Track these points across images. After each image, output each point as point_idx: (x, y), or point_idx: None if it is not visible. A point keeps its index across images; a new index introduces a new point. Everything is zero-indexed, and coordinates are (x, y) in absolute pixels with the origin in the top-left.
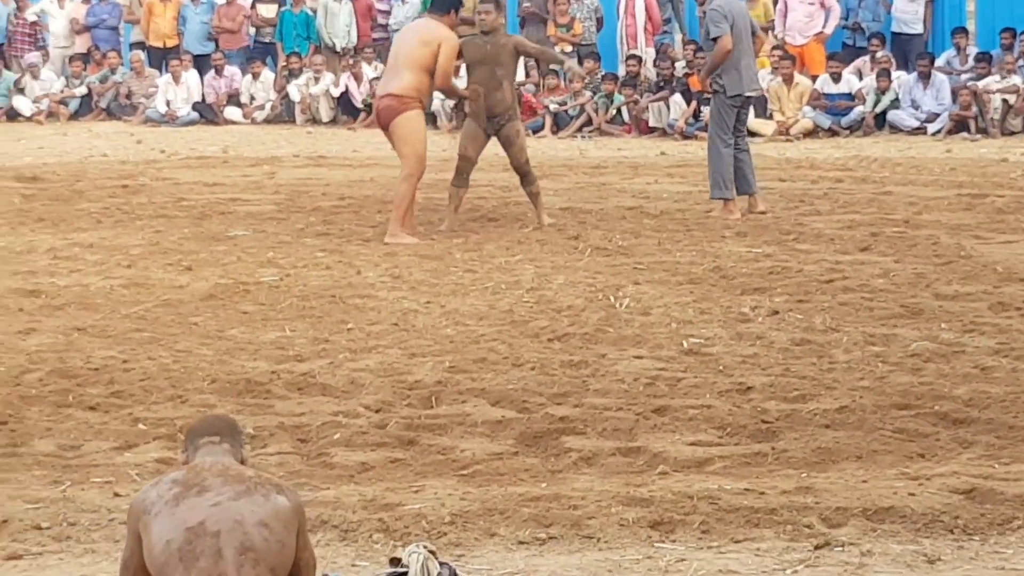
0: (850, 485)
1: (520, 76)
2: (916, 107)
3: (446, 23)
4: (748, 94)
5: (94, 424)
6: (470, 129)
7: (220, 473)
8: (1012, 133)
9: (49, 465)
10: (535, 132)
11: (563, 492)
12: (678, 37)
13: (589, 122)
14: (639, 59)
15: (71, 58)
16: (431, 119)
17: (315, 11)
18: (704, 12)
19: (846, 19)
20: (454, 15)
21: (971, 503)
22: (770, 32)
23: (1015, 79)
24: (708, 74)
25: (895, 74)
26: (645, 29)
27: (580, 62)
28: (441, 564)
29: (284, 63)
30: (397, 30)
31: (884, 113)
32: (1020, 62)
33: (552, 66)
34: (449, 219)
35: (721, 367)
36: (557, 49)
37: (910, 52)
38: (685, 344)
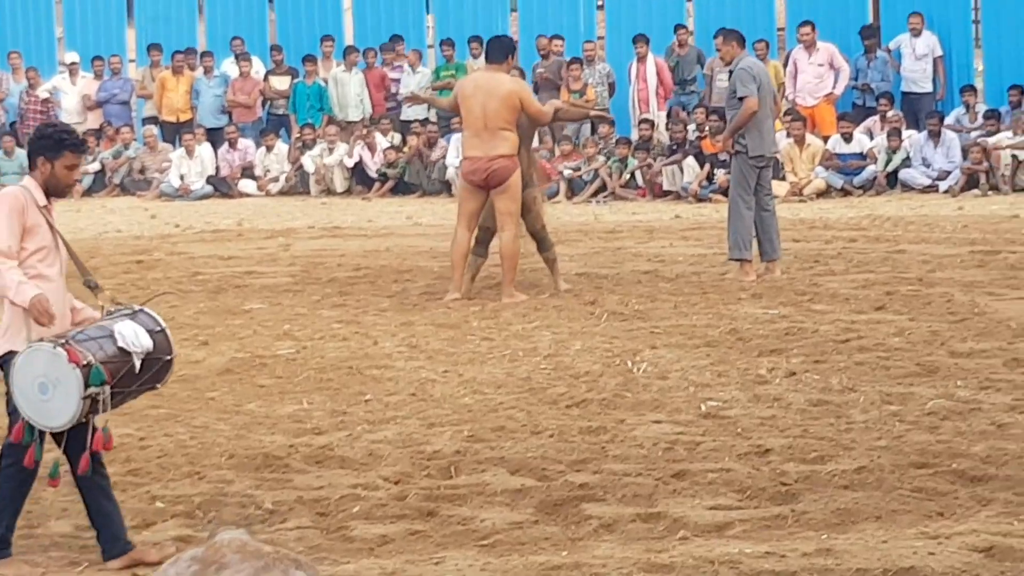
0: (870, 546)
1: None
2: (927, 165)
3: (504, 70)
4: (769, 155)
5: None
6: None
7: (238, 549)
8: (1023, 189)
9: (66, 546)
10: (550, 198)
11: (584, 560)
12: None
13: (603, 187)
14: (651, 123)
15: (83, 134)
16: (446, 186)
17: (325, 82)
18: (710, 72)
19: (855, 79)
20: (511, 60)
21: (991, 561)
22: (782, 94)
23: None
24: (732, 134)
25: (905, 133)
26: (657, 93)
27: (594, 128)
28: None
29: (298, 135)
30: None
31: (895, 172)
32: None
33: (578, 121)
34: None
35: (739, 430)
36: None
37: (920, 111)
38: (703, 407)
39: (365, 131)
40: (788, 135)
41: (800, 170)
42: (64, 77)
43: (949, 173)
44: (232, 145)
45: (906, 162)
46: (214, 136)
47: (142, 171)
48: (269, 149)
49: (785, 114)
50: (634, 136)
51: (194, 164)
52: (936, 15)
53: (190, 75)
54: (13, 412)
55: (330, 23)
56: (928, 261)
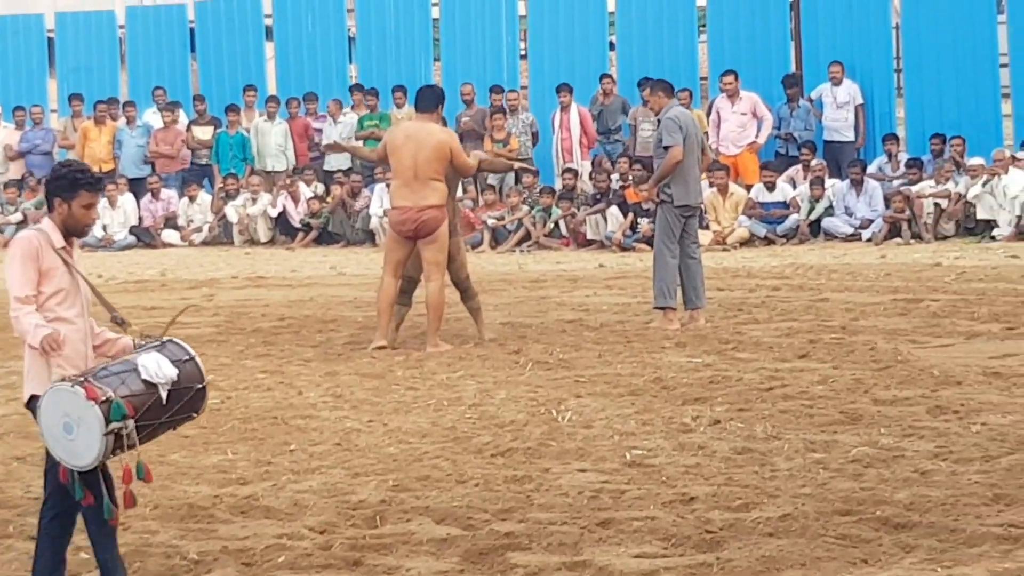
0: None
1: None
2: (850, 214)
3: (435, 120)
4: (695, 204)
5: None
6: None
7: None
8: (945, 237)
9: None
10: (474, 247)
11: None
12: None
13: (527, 236)
14: (575, 172)
15: (5, 184)
16: (370, 236)
17: (247, 132)
18: (634, 121)
19: (778, 128)
20: (440, 109)
21: None
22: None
23: (948, 184)
24: (657, 183)
25: (828, 182)
26: (580, 142)
27: (517, 178)
28: None
29: (221, 185)
30: None
31: (818, 220)
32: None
33: (502, 172)
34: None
35: (664, 478)
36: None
37: (842, 159)
38: (628, 456)
39: (289, 181)
40: (711, 184)
41: (723, 219)
42: None
43: (872, 222)
44: (155, 195)
45: (829, 211)
46: (136, 186)
47: None
48: (192, 199)
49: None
50: (558, 185)
51: (117, 214)
52: (859, 64)
53: (112, 125)
54: (50, 458)
55: (253, 73)
56: (851, 309)
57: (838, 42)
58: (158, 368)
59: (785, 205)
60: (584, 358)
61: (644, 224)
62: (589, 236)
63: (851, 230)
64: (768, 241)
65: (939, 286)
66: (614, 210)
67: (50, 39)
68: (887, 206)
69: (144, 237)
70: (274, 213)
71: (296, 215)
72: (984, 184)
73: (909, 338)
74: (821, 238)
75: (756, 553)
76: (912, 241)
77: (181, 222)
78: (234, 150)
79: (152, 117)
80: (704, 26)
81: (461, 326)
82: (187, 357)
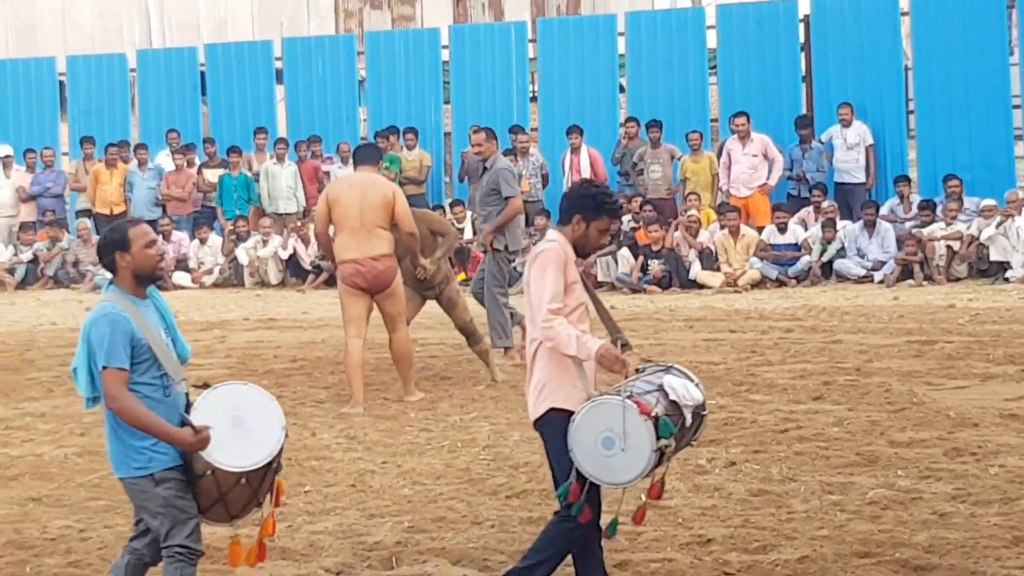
0: None
1: (468, 234)
2: (862, 255)
3: (377, 171)
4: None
5: None
6: (406, 292)
7: None
8: (958, 279)
9: None
10: None
11: None
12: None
13: None
14: None
15: (21, 226)
16: None
17: (257, 174)
18: (639, 161)
19: (790, 170)
20: (381, 163)
21: None
22: (716, 185)
23: (959, 225)
24: (495, 230)
25: (840, 223)
26: None
27: (528, 219)
28: None
29: (231, 227)
30: None
31: (831, 262)
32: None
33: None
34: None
35: (680, 519)
36: None
37: (853, 201)
38: (642, 498)
39: (299, 223)
40: (722, 226)
41: (735, 260)
42: None
43: (884, 263)
44: (166, 237)
45: (841, 252)
46: None
47: (76, 264)
48: (203, 241)
49: (720, 205)
50: None
51: None
52: (870, 105)
53: (123, 167)
54: (560, 473)
55: (263, 116)
56: (865, 351)
57: (849, 83)
58: (686, 391)
59: (797, 247)
60: None
61: (655, 266)
62: (600, 278)
63: (863, 272)
64: (780, 283)
65: (953, 328)
66: (624, 252)
67: (61, 82)
68: (899, 248)
69: None
70: (285, 255)
71: (307, 257)
72: (997, 226)
73: (924, 380)
74: (833, 280)
75: None
76: (924, 283)
77: (192, 264)
78: (238, 191)
79: (164, 159)
80: (715, 67)
81: (472, 368)
82: (695, 381)
